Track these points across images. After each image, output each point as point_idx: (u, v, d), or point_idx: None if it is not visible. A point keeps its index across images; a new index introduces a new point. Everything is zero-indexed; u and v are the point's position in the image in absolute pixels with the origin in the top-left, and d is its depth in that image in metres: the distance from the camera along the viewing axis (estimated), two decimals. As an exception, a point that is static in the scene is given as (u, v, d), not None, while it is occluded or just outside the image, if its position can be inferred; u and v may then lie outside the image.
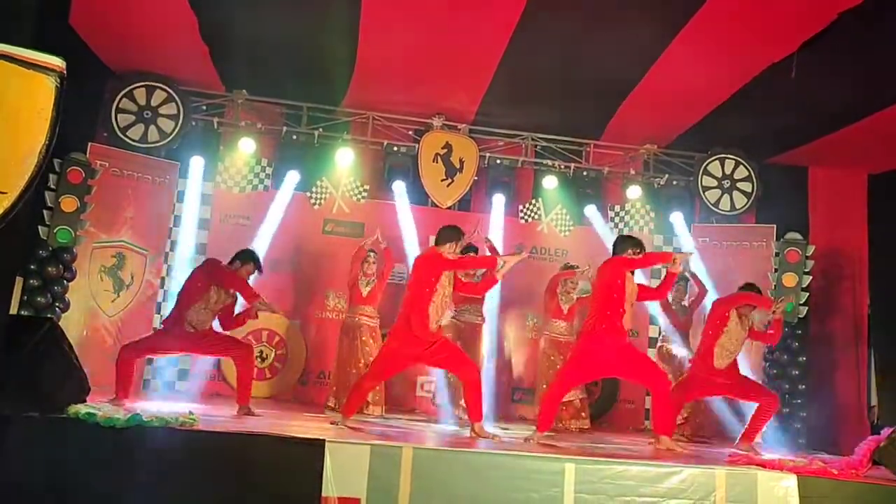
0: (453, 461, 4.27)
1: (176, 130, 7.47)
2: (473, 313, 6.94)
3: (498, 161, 8.27)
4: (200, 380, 7.30)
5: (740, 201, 8.10)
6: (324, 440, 4.14)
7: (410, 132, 8.18)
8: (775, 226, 7.93)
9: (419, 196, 8.14)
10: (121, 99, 7.39)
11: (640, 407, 8.17)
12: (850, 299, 8.01)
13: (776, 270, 7.54)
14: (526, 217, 8.44)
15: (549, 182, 8.32)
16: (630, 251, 5.50)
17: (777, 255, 7.59)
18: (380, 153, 8.15)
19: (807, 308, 7.43)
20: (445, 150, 8.03)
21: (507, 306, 8.09)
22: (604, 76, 6.74)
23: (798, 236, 7.60)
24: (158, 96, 7.45)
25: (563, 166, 8.33)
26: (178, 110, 7.48)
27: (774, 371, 7.37)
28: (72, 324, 6.67)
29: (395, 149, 8.03)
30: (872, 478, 4.69)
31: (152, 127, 7.42)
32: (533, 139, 8.32)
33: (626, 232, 8.42)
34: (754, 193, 8.08)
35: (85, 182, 6.77)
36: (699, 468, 4.47)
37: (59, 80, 3.41)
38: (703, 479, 4.38)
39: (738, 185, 8.12)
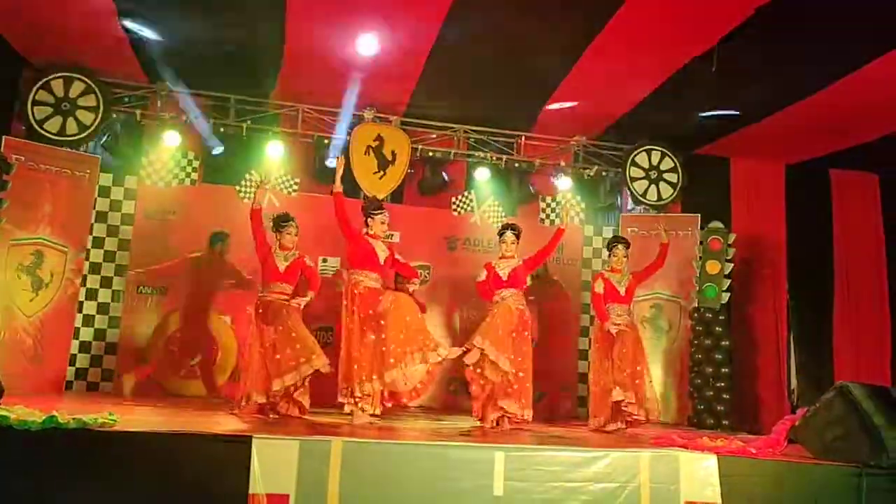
0: (382, 452, 4.24)
1: (96, 123, 7.20)
2: None
3: (430, 153, 8.27)
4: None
5: (666, 192, 8.31)
6: (250, 436, 4.06)
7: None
8: (699, 215, 8.16)
9: (351, 189, 8.04)
10: (37, 90, 7.08)
11: (574, 395, 8.32)
12: (771, 286, 8.31)
13: (700, 258, 7.76)
14: (458, 209, 8.46)
15: (482, 174, 8.37)
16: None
17: (701, 243, 7.82)
18: (311, 146, 8.05)
19: (729, 294, 7.67)
20: (377, 143, 7.97)
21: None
22: (532, 69, 6.81)
23: (720, 225, 7.84)
24: (77, 87, 7.16)
25: (495, 158, 8.39)
26: (98, 102, 7.21)
27: (699, 355, 7.59)
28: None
29: (327, 141, 7.93)
30: (788, 455, 4.88)
31: (71, 119, 7.14)
32: (465, 131, 8.35)
33: (557, 223, 8.56)
34: (679, 184, 8.31)
35: (-1, 177, 6.47)
36: (624, 452, 4.57)
37: (-41, 70, 3.25)
38: (628, 462, 4.47)
39: (665, 175, 8.33)
